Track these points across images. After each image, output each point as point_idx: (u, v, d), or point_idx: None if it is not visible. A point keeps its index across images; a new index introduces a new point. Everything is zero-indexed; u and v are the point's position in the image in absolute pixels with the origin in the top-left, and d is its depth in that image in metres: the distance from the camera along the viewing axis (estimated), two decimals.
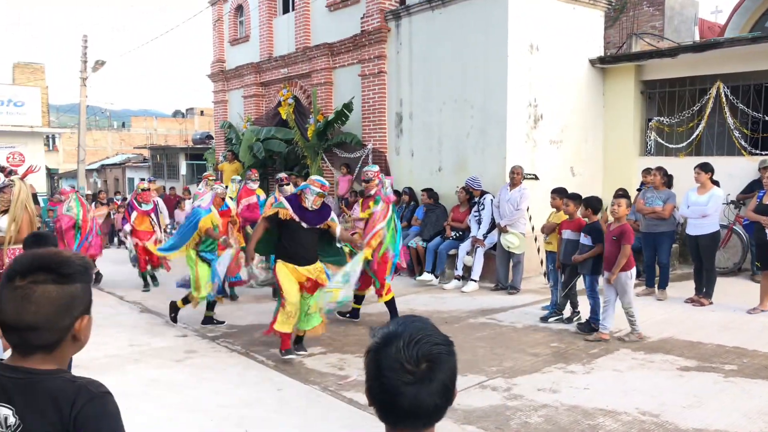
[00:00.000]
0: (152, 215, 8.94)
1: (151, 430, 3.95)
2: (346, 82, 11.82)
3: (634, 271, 5.80)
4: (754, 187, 8.24)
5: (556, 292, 6.70)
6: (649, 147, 10.00)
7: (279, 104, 13.10)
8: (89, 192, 20.11)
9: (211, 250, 6.65)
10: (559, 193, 6.71)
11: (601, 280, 6.07)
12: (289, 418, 4.14)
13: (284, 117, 12.70)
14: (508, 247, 8.05)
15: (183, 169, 28.48)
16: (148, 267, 8.85)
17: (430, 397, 1.17)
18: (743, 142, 9.09)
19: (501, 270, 8.38)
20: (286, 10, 13.82)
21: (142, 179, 18.45)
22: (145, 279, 8.89)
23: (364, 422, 4.04)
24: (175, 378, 5.00)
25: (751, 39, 8.90)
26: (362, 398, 4.43)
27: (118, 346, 5.89)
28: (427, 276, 8.90)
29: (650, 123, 10.00)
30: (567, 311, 6.57)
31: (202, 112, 41.29)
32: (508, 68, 8.89)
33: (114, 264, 10.51)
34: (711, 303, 7.01)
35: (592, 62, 9.97)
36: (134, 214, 8.86)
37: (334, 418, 4.11)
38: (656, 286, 7.53)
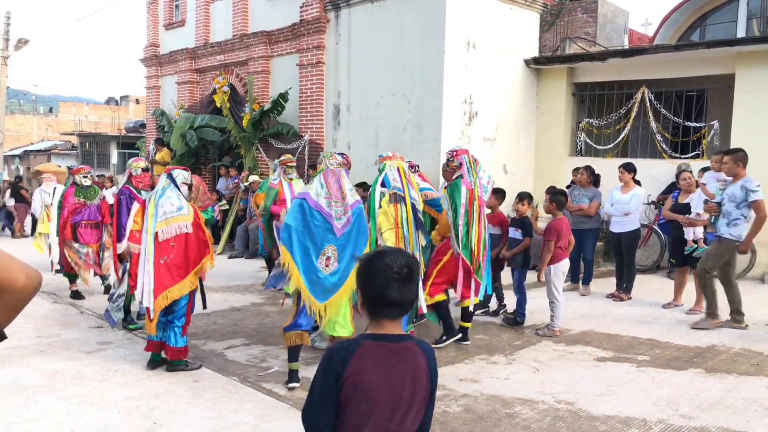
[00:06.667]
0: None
1: (43, 425, 3.68)
2: (283, 72, 11.59)
3: (561, 264, 5.80)
4: (672, 188, 8.60)
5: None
6: (579, 147, 10.30)
7: (214, 92, 12.69)
8: (7, 179, 18.92)
9: None
10: None
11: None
12: (201, 409, 3.96)
13: (219, 105, 12.32)
14: None
15: (114, 158, 27.32)
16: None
17: (409, 292, 1.70)
18: (665, 146, 9.50)
19: None
20: None
21: (69, 166, 17.39)
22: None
23: (279, 412, 3.92)
24: (83, 370, 4.71)
25: (674, 47, 9.32)
26: (281, 389, 4.31)
27: (22, 337, 5.51)
28: None
29: (580, 124, 10.32)
30: (493, 304, 6.65)
31: (137, 101, 39.58)
32: (445, 64, 8.93)
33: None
34: (630, 298, 7.27)
35: (527, 62, 10.17)
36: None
37: (248, 409, 3.97)
38: (580, 281, 7.74)
